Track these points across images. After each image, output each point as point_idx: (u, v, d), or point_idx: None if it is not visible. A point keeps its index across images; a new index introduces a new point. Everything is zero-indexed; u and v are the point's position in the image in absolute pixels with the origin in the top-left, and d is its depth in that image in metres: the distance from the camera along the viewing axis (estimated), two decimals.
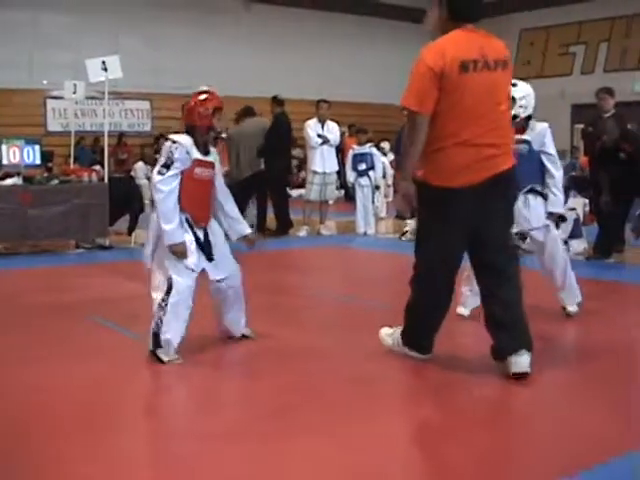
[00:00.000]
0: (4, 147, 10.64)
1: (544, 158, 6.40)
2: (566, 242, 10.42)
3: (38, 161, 11.07)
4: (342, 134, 14.22)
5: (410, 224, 11.37)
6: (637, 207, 9.95)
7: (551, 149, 6.43)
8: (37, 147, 11.08)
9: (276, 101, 13.23)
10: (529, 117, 6.44)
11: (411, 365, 5.20)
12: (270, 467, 3.58)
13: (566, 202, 10.81)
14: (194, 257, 5.31)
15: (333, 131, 12.90)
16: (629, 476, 3.53)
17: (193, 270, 5.31)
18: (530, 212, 6.41)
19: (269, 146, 12.71)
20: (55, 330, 6.24)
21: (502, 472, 3.57)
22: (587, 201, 12.84)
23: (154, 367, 5.24)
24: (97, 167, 15.61)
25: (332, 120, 13.08)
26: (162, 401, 4.80)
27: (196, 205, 5.40)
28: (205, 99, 5.46)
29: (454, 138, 4.73)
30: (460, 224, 4.86)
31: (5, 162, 10.70)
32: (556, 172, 6.43)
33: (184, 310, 5.27)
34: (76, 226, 10.58)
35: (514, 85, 6.29)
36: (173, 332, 5.24)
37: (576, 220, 10.53)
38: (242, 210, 13.24)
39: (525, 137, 6.37)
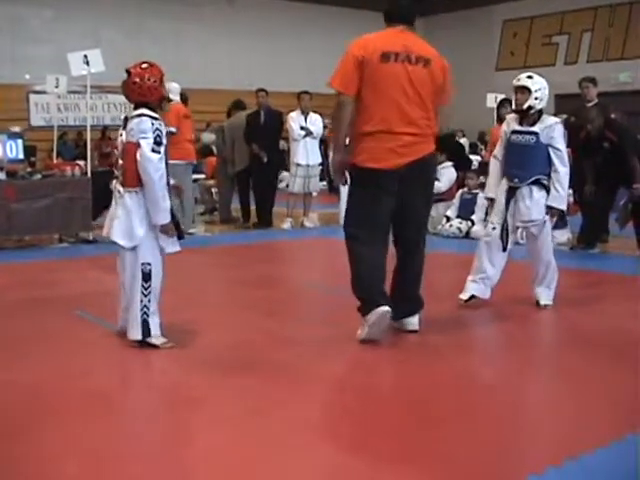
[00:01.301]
0: None
1: (551, 152, 6.42)
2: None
3: (21, 156, 11.00)
4: (325, 127, 14.15)
5: None
6: (622, 197, 9.97)
7: (559, 144, 6.46)
8: (20, 142, 11.01)
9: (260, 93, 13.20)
10: (541, 110, 6.49)
11: (388, 355, 5.22)
12: (259, 460, 3.58)
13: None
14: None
15: (316, 123, 12.84)
16: (600, 470, 3.52)
17: (163, 251, 5.42)
18: (532, 204, 6.45)
19: (256, 139, 12.70)
20: (39, 324, 6.22)
21: (474, 467, 3.57)
22: (571, 191, 12.88)
23: (139, 359, 5.27)
24: (81, 162, 15.55)
25: (315, 112, 13.04)
26: (148, 394, 4.79)
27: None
28: (150, 71, 5.39)
29: (379, 124, 5.33)
30: (385, 200, 5.42)
31: None
32: (562, 168, 6.43)
33: (159, 292, 5.41)
34: (60, 220, 10.53)
35: (530, 77, 6.39)
36: (158, 317, 5.39)
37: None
38: (246, 202, 13.37)
39: (533, 129, 6.44)
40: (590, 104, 10.18)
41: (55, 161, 12.83)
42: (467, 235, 11.14)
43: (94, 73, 11.34)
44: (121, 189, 5.40)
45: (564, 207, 6.65)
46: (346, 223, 5.68)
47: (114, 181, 5.56)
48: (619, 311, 6.60)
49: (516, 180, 6.45)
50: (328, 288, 7.70)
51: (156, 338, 5.37)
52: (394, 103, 5.32)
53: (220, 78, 20.84)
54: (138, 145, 5.22)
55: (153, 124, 5.25)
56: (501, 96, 13.16)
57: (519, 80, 6.49)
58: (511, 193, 6.49)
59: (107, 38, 19.61)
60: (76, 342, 5.67)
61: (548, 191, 6.45)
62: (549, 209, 6.49)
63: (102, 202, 11.03)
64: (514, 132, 6.53)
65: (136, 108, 5.38)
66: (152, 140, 5.21)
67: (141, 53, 20.69)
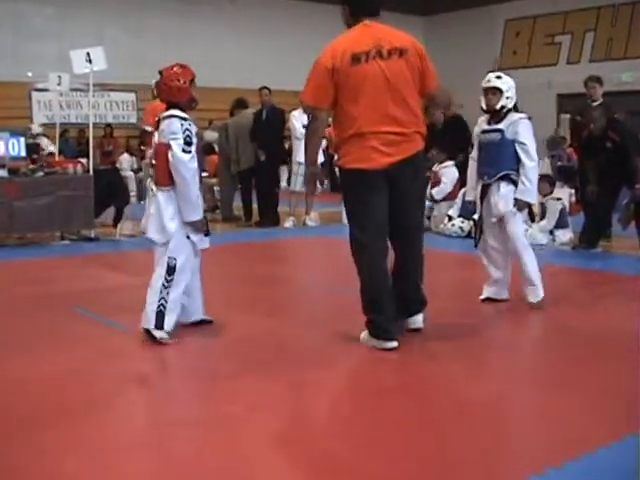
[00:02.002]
0: None
1: (517, 147, 6.49)
2: (552, 232, 10.47)
3: (23, 153, 11.02)
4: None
5: None
6: (624, 197, 9.96)
7: (524, 139, 6.49)
8: (22, 139, 11.04)
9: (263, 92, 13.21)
10: (510, 109, 6.56)
11: (388, 356, 5.22)
12: (257, 456, 3.59)
13: (552, 192, 10.87)
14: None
15: None
16: (600, 470, 3.52)
17: (195, 246, 5.64)
18: (498, 198, 6.52)
19: (259, 137, 12.72)
20: (40, 322, 6.23)
21: (473, 468, 3.56)
22: (573, 191, 12.87)
23: (139, 356, 5.28)
24: (83, 159, 15.56)
25: None
26: (146, 390, 4.79)
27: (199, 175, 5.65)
28: (180, 72, 5.56)
29: (361, 126, 5.19)
30: (377, 199, 5.29)
31: None
32: (528, 162, 6.48)
33: (183, 288, 5.58)
34: (62, 218, 10.55)
35: (499, 77, 6.46)
36: (175, 312, 5.53)
37: (562, 210, 10.56)
38: (248, 200, 13.39)
39: (498, 126, 6.53)
40: (595, 104, 10.17)
41: (57, 159, 12.81)
42: (469, 235, 11.12)
43: (96, 71, 11.33)
44: (154, 187, 5.61)
45: (532, 200, 6.74)
46: (350, 228, 5.58)
47: (148, 180, 5.84)
48: (620, 311, 6.59)
49: (486, 177, 6.57)
50: (329, 287, 7.70)
51: (164, 334, 5.47)
52: (373, 104, 5.19)
53: (223, 76, 20.77)
54: (169, 146, 5.41)
55: (182, 125, 5.43)
56: None
57: (489, 82, 6.54)
58: (484, 191, 6.62)
59: (110, 36, 19.58)
60: (77, 339, 5.69)
61: (516, 185, 6.50)
62: (516, 202, 6.51)
63: (104, 200, 11.09)
64: (483, 132, 6.65)
65: (168, 108, 5.57)
66: (182, 141, 5.39)
67: (144, 51, 20.99)
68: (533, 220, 10.34)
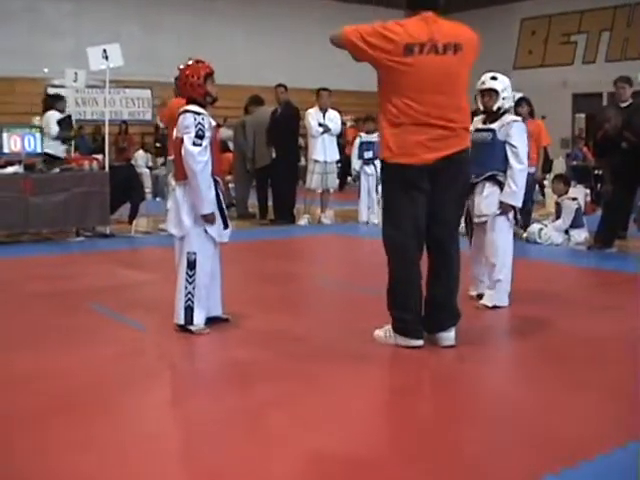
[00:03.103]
0: (5, 135, 10.64)
1: (508, 149, 6.47)
2: (567, 232, 10.44)
3: (39, 149, 11.05)
4: (343, 123, 14.13)
5: None
6: None
7: (516, 141, 6.47)
8: (38, 135, 11.07)
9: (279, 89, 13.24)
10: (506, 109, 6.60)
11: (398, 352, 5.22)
12: (270, 454, 3.59)
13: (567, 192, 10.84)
14: (217, 226, 5.67)
15: (334, 120, 12.85)
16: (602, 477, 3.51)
17: (215, 240, 5.69)
18: (482, 199, 6.52)
19: (275, 136, 12.76)
20: (55, 318, 6.25)
21: (485, 470, 3.56)
22: (588, 191, 12.85)
23: (153, 354, 5.29)
24: (99, 156, 15.61)
25: (334, 109, 13.03)
26: (159, 388, 4.79)
27: (217, 167, 5.75)
28: (194, 68, 5.67)
29: (406, 117, 5.08)
30: (417, 198, 5.17)
31: (6, 150, 10.70)
32: (517, 165, 6.44)
33: (207, 282, 5.66)
34: (77, 214, 10.58)
35: (494, 79, 6.45)
36: (203, 306, 5.65)
37: (577, 209, 10.52)
38: (263, 198, 13.42)
39: (491, 126, 6.54)
40: (624, 104, 10.06)
41: (73, 155, 12.85)
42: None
43: (113, 68, 11.35)
44: (173, 182, 5.77)
45: (517, 204, 6.57)
46: (383, 223, 5.48)
47: (169, 175, 5.95)
48: (633, 312, 6.56)
49: (473, 176, 6.41)
50: (346, 284, 7.71)
51: (196, 327, 5.59)
52: (421, 98, 5.06)
53: (238, 74, 20.79)
54: (182, 140, 5.50)
55: (195, 119, 5.51)
56: (519, 95, 13.10)
57: (484, 83, 6.54)
58: (470, 189, 6.49)
59: (126, 33, 19.62)
60: (91, 336, 5.70)
61: (501, 187, 6.49)
62: (501, 204, 6.48)
63: (119, 196, 11.13)
64: (475, 130, 6.54)
65: (187, 104, 5.67)
66: (194, 134, 5.46)
67: (159, 48, 21.02)
68: (517, 224, 10.32)
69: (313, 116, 12.74)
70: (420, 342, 5.29)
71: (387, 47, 5.03)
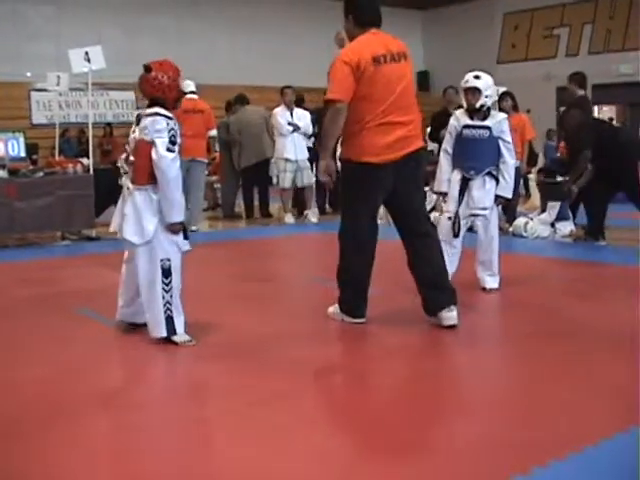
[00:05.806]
0: None
1: (501, 145, 6.81)
2: (553, 225, 10.46)
3: (23, 154, 11.01)
4: (315, 124, 14.02)
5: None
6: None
7: (508, 137, 6.86)
8: (21, 139, 11.02)
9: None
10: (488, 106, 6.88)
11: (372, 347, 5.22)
12: (261, 454, 3.58)
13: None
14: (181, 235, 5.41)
15: (303, 119, 12.77)
16: (604, 462, 3.52)
17: (181, 249, 5.41)
18: (485, 193, 6.81)
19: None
20: (41, 323, 6.22)
21: (473, 461, 3.56)
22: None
23: (141, 357, 5.27)
24: (84, 159, 15.57)
25: (305, 109, 13.02)
26: (146, 390, 4.78)
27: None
28: (167, 68, 5.35)
29: (373, 120, 5.47)
30: (380, 193, 5.63)
31: None
32: (510, 159, 6.84)
33: (179, 286, 5.41)
34: (62, 218, 10.53)
35: (478, 77, 6.79)
36: (183, 315, 5.40)
37: (562, 203, 10.53)
38: (249, 198, 13.40)
39: (486, 124, 6.80)
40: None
41: (57, 158, 12.81)
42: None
43: (95, 70, 11.31)
44: (131, 186, 5.35)
45: (510, 196, 6.99)
46: (343, 216, 5.84)
47: (123, 177, 5.51)
48: (621, 303, 6.58)
49: (472, 172, 6.78)
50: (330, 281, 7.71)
51: (180, 336, 5.36)
52: (388, 102, 5.48)
53: (222, 74, 20.79)
54: (152, 144, 5.17)
55: (168, 124, 5.20)
56: (502, 89, 13.12)
57: (467, 82, 6.79)
58: (464, 184, 6.81)
59: (108, 35, 19.57)
60: (78, 340, 5.66)
61: (497, 181, 6.82)
62: (497, 197, 6.86)
63: (105, 199, 11.08)
64: (466, 127, 6.83)
65: (150, 105, 5.35)
66: (167, 140, 5.16)
67: (142, 50, 20.86)
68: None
69: (281, 115, 12.67)
70: (362, 320, 5.76)
71: (360, 70, 5.42)
